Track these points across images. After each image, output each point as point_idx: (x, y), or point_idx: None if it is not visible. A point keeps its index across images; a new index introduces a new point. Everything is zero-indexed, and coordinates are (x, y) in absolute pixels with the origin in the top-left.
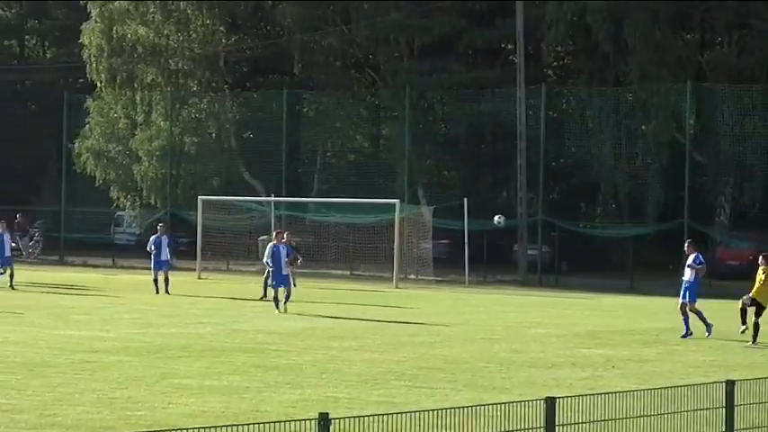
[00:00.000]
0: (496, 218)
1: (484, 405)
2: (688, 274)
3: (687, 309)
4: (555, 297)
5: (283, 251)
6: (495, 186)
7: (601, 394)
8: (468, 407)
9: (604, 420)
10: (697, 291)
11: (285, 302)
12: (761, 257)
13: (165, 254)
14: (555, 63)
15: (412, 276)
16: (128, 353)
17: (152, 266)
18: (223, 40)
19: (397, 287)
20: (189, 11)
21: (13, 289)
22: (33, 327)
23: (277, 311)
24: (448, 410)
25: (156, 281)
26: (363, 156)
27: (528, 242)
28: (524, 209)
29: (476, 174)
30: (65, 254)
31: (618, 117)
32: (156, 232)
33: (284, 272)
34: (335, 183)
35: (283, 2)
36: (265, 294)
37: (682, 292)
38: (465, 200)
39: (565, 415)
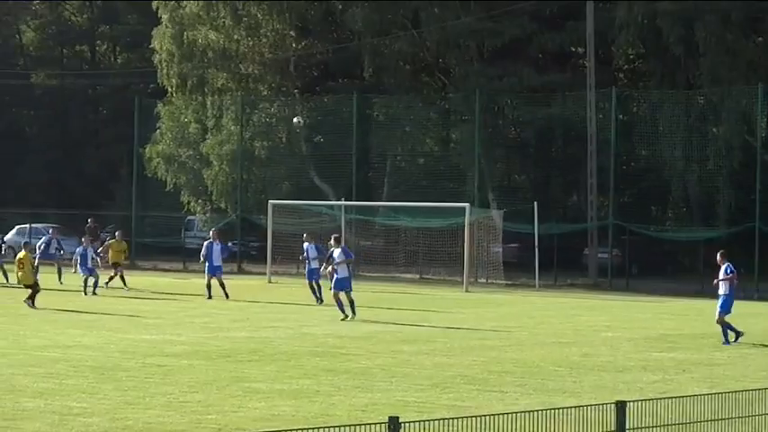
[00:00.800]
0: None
1: (554, 409)
2: (722, 287)
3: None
4: (625, 300)
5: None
6: (565, 190)
7: (671, 398)
8: (537, 410)
9: (675, 424)
10: (729, 303)
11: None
12: None
13: (218, 259)
14: (625, 66)
15: (482, 280)
16: (198, 357)
17: (205, 271)
18: (293, 45)
19: (467, 291)
20: (259, 15)
21: (95, 295)
22: (105, 331)
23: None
24: (518, 414)
25: (208, 286)
26: (433, 159)
27: (598, 246)
28: (594, 212)
29: (546, 177)
30: (136, 258)
31: (689, 120)
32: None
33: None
34: (405, 187)
35: (354, 6)
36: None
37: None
38: (534, 203)
39: (635, 419)
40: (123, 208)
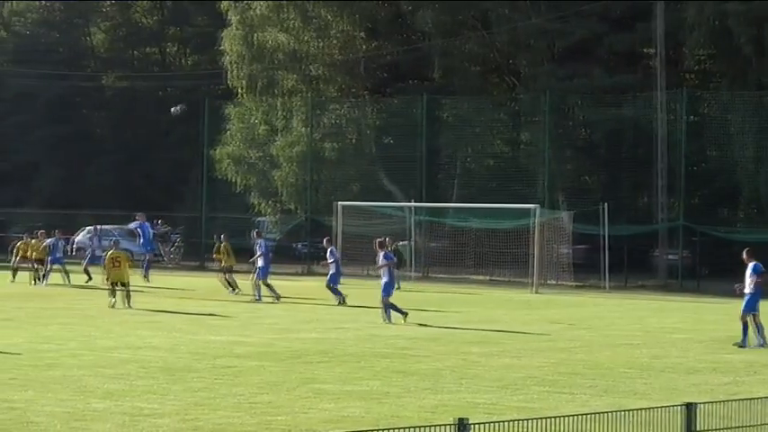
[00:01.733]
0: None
1: (624, 411)
2: (748, 285)
3: (747, 319)
4: (695, 302)
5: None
6: (634, 191)
7: (742, 400)
8: (607, 412)
9: (744, 426)
10: (755, 301)
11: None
12: None
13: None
14: (695, 67)
15: (551, 281)
16: (268, 358)
17: (259, 273)
18: (363, 46)
19: (536, 292)
20: (329, 16)
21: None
22: (174, 332)
23: None
24: (587, 416)
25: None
26: (502, 161)
27: (668, 247)
28: (665, 214)
29: (615, 178)
30: (205, 260)
31: (760, 121)
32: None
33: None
34: (474, 188)
35: (423, 7)
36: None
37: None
38: (605, 205)
39: (705, 421)
40: (192, 209)
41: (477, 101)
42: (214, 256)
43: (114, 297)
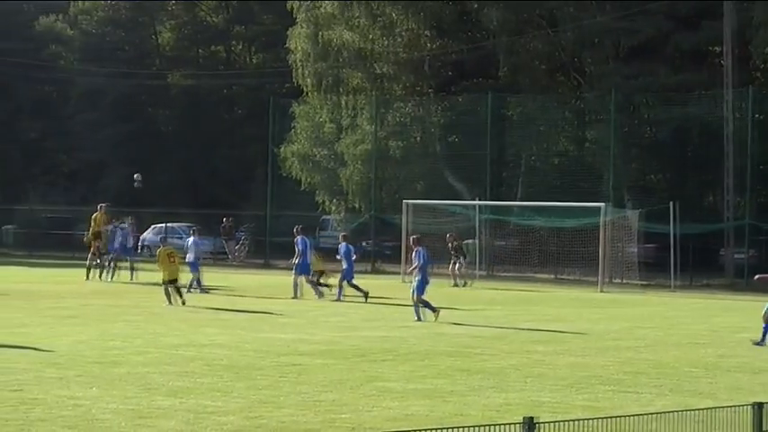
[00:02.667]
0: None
1: (689, 410)
2: None
3: None
4: (762, 301)
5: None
6: (701, 190)
7: None
8: (673, 412)
9: None
10: None
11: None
12: None
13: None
14: (763, 65)
15: (617, 280)
16: (332, 356)
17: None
18: (428, 44)
19: (602, 291)
20: (394, 15)
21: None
22: (239, 330)
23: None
24: (653, 415)
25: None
26: (568, 159)
27: (735, 246)
28: (731, 212)
29: (682, 177)
30: (270, 257)
31: None
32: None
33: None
34: (540, 186)
35: (489, 5)
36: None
37: None
38: (672, 203)
39: None
40: (258, 207)
41: (542, 99)
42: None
43: (176, 295)
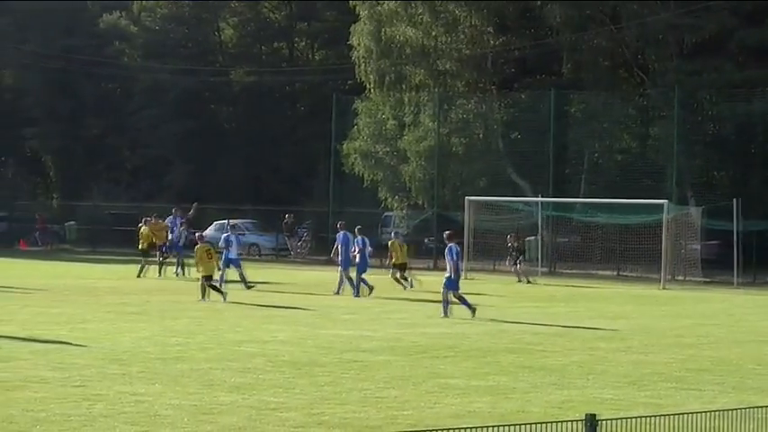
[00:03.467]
0: None
1: (752, 408)
2: None
3: None
4: None
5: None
6: (765, 186)
7: None
8: (736, 409)
9: None
10: None
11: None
12: None
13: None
14: None
15: (679, 277)
16: (394, 352)
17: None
18: (491, 41)
19: (664, 288)
20: (457, 12)
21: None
22: (301, 326)
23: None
24: (715, 413)
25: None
26: (631, 156)
27: None
28: None
29: (745, 174)
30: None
31: None
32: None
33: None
34: (602, 183)
35: (552, 2)
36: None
37: None
38: (735, 200)
39: None
40: (320, 204)
41: (605, 96)
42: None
43: (220, 292)
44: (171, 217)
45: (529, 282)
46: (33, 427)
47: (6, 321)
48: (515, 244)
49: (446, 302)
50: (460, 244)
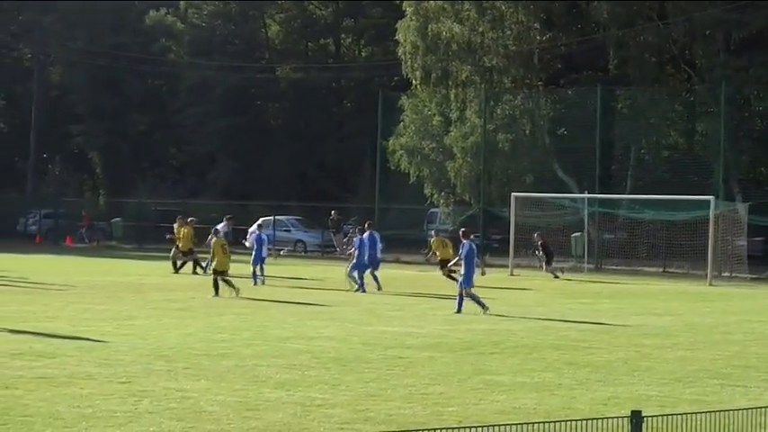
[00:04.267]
0: None
1: None
2: None
3: None
4: None
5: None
6: None
7: None
8: None
9: None
10: None
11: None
12: None
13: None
14: None
15: (726, 274)
16: (439, 349)
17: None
18: (538, 37)
19: (710, 284)
20: (504, 8)
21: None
22: (346, 323)
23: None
24: (761, 410)
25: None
26: (677, 152)
27: None
28: None
29: None
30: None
31: None
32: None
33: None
34: (649, 179)
35: None
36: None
37: None
38: None
39: None
40: (366, 200)
41: (652, 92)
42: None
43: (232, 287)
44: (224, 224)
45: (557, 276)
46: (79, 423)
47: (52, 318)
48: (540, 242)
49: (461, 297)
50: (503, 240)
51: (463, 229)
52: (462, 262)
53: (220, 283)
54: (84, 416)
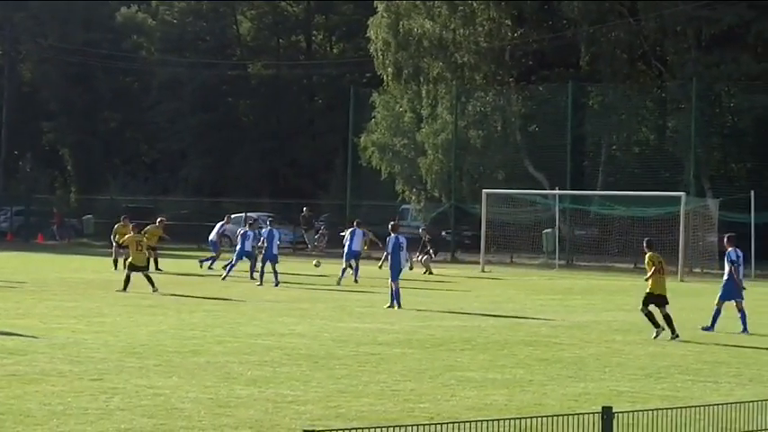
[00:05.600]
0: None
1: None
2: (727, 271)
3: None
4: None
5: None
6: None
7: None
8: (753, 402)
9: None
10: (730, 289)
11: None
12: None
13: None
14: None
15: (697, 270)
16: (411, 345)
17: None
18: (509, 34)
19: (681, 280)
20: (475, 5)
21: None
22: (317, 319)
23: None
24: (732, 405)
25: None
26: (648, 148)
27: None
28: None
29: (763, 166)
30: None
31: None
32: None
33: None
34: (620, 175)
35: None
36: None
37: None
38: (752, 192)
39: None
40: (337, 197)
41: (623, 88)
42: None
43: (151, 283)
44: (267, 229)
45: (431, 273)
46: (50, 421)
47: (23, 315)
48: (427, 237)
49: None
50: (474, 237)
51: (392, 223)
52: (389, 256)
53: (132, 277)
54: (55, 413)
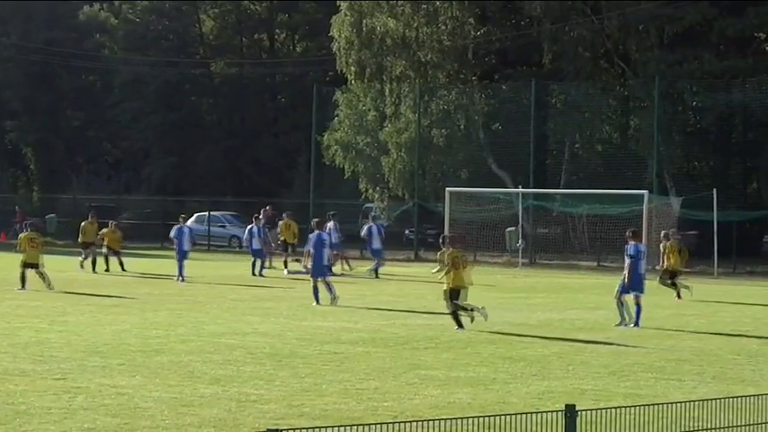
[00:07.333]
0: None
1: (733, 397)
2: (627, 265)
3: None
4: None
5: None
6: (745, 177)
7: None
8: (716, 399)
9: None
10: (636, 281)
11: None
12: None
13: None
14: None
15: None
16: (374, 344)
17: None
18: (472, 32)
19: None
20: (438, 3)
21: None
22: (281, 318)
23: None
24: (696, 403)
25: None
26: (611, 146)
27: None
28: None
29: (726, 164)
30: None
31: None
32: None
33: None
34: (583, 173)
35: None
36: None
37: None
38: (714, 190)
39: None
40: (301, 195)
41: (586, 86)
42: None
43: (44, 279)
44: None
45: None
46: (13, 420)
47: None
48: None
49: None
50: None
51: (315, 220)
52: (311, 252)
53: (28, 274)
54: (18, 413)
